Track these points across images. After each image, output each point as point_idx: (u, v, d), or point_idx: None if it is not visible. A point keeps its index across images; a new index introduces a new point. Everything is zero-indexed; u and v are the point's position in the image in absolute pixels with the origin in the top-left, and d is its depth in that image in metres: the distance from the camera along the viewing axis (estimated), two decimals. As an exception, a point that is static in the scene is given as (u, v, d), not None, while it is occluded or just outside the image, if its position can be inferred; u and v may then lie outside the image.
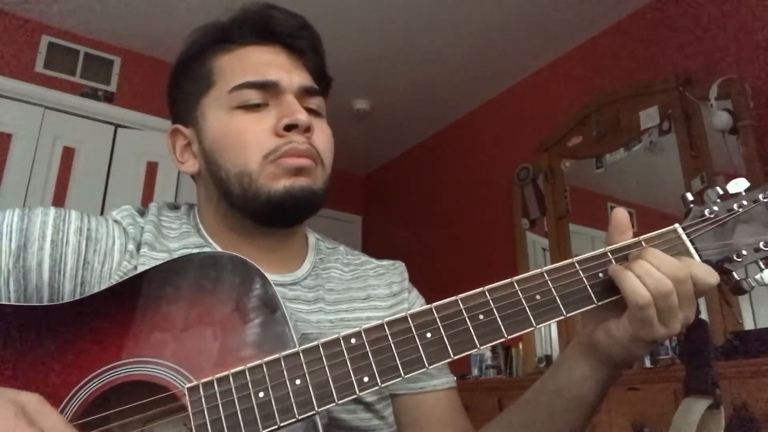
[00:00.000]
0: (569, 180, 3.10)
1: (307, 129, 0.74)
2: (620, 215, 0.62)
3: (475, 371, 3.05)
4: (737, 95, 2.31)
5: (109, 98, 3.24)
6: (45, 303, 0.67)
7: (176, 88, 0.82)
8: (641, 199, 2.79)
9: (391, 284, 0.86)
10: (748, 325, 2.17)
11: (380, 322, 0.56)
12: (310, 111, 0.77)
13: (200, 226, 0.80)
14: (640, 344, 0.58)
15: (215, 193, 0.77)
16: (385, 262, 0.89)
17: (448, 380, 0.82)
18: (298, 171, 0.73)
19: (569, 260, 0.60)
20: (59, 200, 2.98)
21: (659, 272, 0.56)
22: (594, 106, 2.93)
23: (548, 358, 2.92)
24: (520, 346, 3.02)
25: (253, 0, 0.80)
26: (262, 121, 0.74)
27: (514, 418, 0.71)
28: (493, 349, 3.02)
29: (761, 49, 2.34)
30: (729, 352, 1.93)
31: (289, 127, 0.73)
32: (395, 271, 0.88)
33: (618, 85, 2.84)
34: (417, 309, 0.57)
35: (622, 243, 0.61)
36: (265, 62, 0.77)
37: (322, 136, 0.78)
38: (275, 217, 0.75)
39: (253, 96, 0.74)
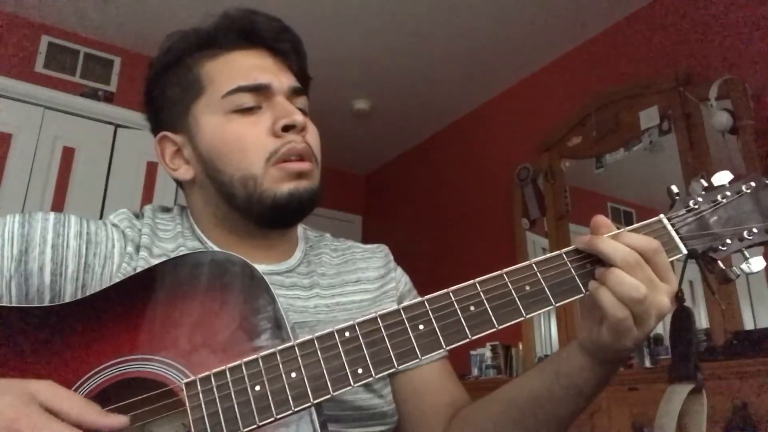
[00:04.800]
0: (569, 180, 3.10)
1: (303, 129, 0.77)
2: (599, 220, 0.62)
3: (475, 371, 3.05)
4: (737, 95, 2.31)
5: (109, 98, 3.24)
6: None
7: (159, 96, 0.82)
8: (641, 199, 2.79)
9: (378, 267, 0.88)
10: (748, 325, 2.17)
11: (373, 315, 0.57)
12: (299, 111, 0.80)
13: (195, 227, 0.81)
14: (621, 348, 0.59)
15: (214, 198, 0.78)
16: (369, 246, 0.92)
17: (441, 350, 0.84)
18: (300, 175, 0.75)
19: (557, 252, 0.61)
20: (59, 200, 2.98)
21: (630, 278, 0.57)
22: (594, 106, 2.93)
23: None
24: (520, 346, 3.02)
25: (235, 5, 0.82)
26: (259, 124, 0.76)
27: (515, 394, 0.71)
28: (493, 349, 3.02)
29: (761, 49, 2.34)
30: (729, 352, 1.93)
31: (287, 128, 0.75)
32: (380, 254, 0.91)
33: (618, 85, 2.84)
34: (409, 302, 0.58)
35: (606, 234, 0.61)
36: (254, 66, 0.79)
37: (313, 135, 0.80)
38: (279, 218, 0.77)
39: (247, 99, 0.76)
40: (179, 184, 0.85)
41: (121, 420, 0.52)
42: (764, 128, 2.26)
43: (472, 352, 3.07)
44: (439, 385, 0.81)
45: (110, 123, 3.21)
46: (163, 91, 0.81)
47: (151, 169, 3.17)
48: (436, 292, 0.59)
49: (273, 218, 0.76)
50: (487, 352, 3.03)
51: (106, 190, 3.09)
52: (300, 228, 0.89)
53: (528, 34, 3.13)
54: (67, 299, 0.68)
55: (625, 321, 0.57)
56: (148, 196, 3.11)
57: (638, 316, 0.57)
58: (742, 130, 2.27)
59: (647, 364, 2.26)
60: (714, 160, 2.39)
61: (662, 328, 2.37)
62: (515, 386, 0.72)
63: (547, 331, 3.04)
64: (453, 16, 3.02)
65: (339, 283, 0.83)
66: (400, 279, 0.90)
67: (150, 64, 0.83)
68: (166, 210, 0.85)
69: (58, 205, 2.96)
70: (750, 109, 2.28)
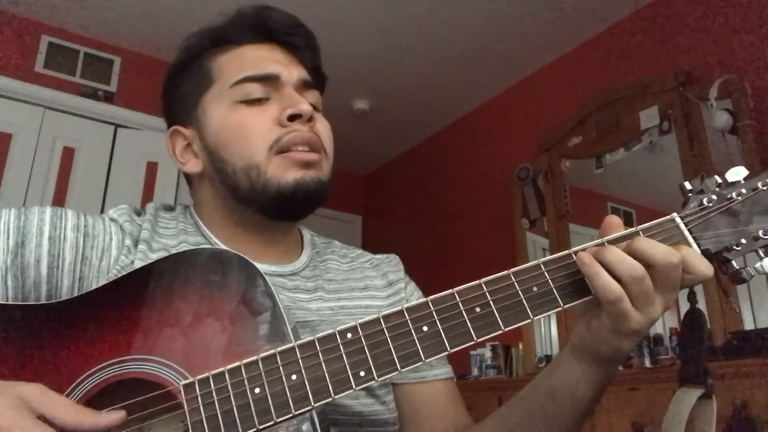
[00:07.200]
0: (569, 180, 3.10)
1: (310, 119, 0.76)
2: (613, 219, 0.60)
3: (475, 371, 3.05)
4: (737, 95, 2.31)
5: (109, 98, 3.24)
6: (43, 298, 0.67)
7: (173, 92, 0.83)
8: (641, 199, 2.79)
9: (386, 274, 0.87)
10: (748, 325, 2.17)
11: (376, 316, 0.56)
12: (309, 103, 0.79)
13: (200, 223, 0.81)
14: (623, 337, 0.57)
15: (221, 190, 0.77)
16: (379, 256, 0.91)
17: (447, 371, 0.84)
18: (307, 164, 0.74)
19: (566, 251, 0.59)
20: (59, 200, 2.98)
21: (630, 258, 0.55)
22: (594, 106, 2.92)
23: (548, 358, 2.92)
24: (520, 346, 3.02)
25: (248, 2, 0.82)
26: (265, 113, 0.75)
27: (509, 415, 0.70)
28: (493, 349, 3.01)
29: (761, 49, 2.34)
30: (729, 352, 1.93)
31: (293, 118, 0.74)
32: (390, 263, 0.90)
33: (618, 85, 2.84)
34: (413, 303, 0.57)
35: (620, 233, 0.59)
36: (264, 57, 0.78)
37: (324, 127, 0.79)
38: (285, 209, 0.75)
39: (255, 89, 0.76)
40: (188, 180, 0.85)
41: (118, 415, 0.51)
42: (764, 128, 2.26)
43: (472, 352, 3.07)
44: (443, 409, 0.80)
45: (110, 123, 3.21)
46: (177, 89, 0.82)
47: (151, 168, 3.17)
48: (435, 292, 0.58)
49: (278, 209, 0.75)
50: (487, 352, 3.03)
51: (106, 190, 3.09)
52: (308, 234, 0.88)
53: (528, 34, 3.13)
54: (64, 292, 0.68)
55: (620, 303, 0.54)
56: (148, 196, 3.11)
57: (637, 297, 0.55)
58: (742, 130, 2.27)
59: (647, 364, 2.25)
60: (714, 160, 2.39)
61: (662, 328, 2.37)
62: (512, 408, 0.70)
63: (547, 331, 3.04)
64: (453, 16, 3.02)
65: (345, 288, 0.82)
66: (412, 293, 0.88)
67: (168, 67, 0.84)
68: (169, 208, 0.84)
69: (57, 205, 2.94)
70: (750, 109, 2.28)
